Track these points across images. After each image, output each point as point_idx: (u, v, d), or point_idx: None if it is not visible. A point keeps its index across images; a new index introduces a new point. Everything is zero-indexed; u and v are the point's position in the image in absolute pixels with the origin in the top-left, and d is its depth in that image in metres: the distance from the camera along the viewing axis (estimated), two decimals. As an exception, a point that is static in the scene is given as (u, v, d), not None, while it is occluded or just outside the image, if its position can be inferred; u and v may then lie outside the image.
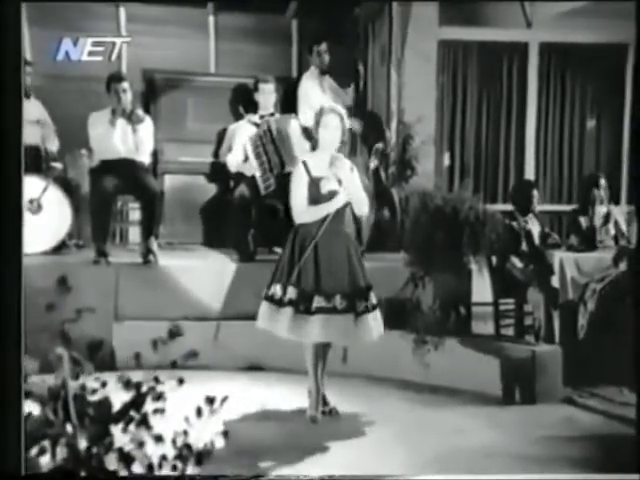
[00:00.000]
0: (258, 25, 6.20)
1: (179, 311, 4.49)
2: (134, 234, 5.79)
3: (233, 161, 5.23)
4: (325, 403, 3.85)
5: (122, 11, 6.01)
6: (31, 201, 4.94)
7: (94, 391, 1.50)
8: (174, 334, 1.77)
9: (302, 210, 3.76)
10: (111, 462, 1.43)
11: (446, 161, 6.19)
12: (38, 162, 5.15)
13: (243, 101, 5.70)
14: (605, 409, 4.04)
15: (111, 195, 5.00)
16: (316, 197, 3.74)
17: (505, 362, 4.21)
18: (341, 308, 3.65)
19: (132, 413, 1.52)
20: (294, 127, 4.91)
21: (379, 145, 5.58)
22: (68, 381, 1.48)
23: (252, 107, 5.46)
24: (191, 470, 1.54)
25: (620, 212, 5.13)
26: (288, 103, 5.62)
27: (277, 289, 3.73)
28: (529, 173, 6.18)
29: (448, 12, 5.91)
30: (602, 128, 6.36)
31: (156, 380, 1.61)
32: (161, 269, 4.82)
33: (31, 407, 1.46)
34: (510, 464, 3.31)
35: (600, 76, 6.23)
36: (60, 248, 5.12)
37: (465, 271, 4.62)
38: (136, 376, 1.61)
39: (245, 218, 5.09)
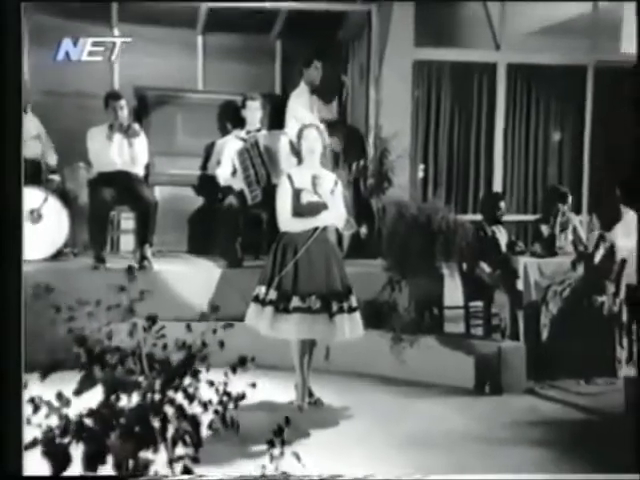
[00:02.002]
0: (244, 45, 6.55)
1: (172, 313, 4.84)
2: (126, 242, 6.18)
3: (222, 174, 5.67)
4: (311, 395, 4.30)
5: (115, 31, 6.41)
6: (32, 211, 5.32)
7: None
8: (215, 308, 2.26)
9: (286, 219, 4.20)
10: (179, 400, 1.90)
11: (420, 173, 6.65)
12: (38, 175, 5.55)
13: (230, 117, 6.14)
14: (563, 398, 4.50)
15: (109, 205, 5.40)
16: (297, 207, 4.19)
17: (475, 357, 4.67)
18: (315, 308, 4.05)
19: (185, 368, 1.99)
20: (284, 143, 5.36)
21: (360, 160, 6.08)
22: (142, 342, 1.96)
23: (239, 123, 5.90)
24: (230, 412, 2.01)
25: (579, 221, 5.66)
26: (272, 118, 6.08)
27: (261, 290, 4.15)
28: (497, 185, 6.58)
29: (423, 34, 6.36)
30: (565, 143, 6.89)
31: (203, 344, 2.09)
32: (155, 274, 5.22)
33: (115, 359, 1.93)
34: (481, 445, 3.75)
35: (562, 95, 6.68)
36: (57, 256, 5.51)
37: (438, 275, 5.05)
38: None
39: (233, 227, 5.49)
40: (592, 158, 6.71)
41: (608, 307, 4.90)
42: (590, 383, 4.73)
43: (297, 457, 2.15)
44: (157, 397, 1.92)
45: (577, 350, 4.77)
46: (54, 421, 1.88)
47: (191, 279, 5.28)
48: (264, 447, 2.46)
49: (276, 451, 2.10)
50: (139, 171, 5.54)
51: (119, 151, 5.41)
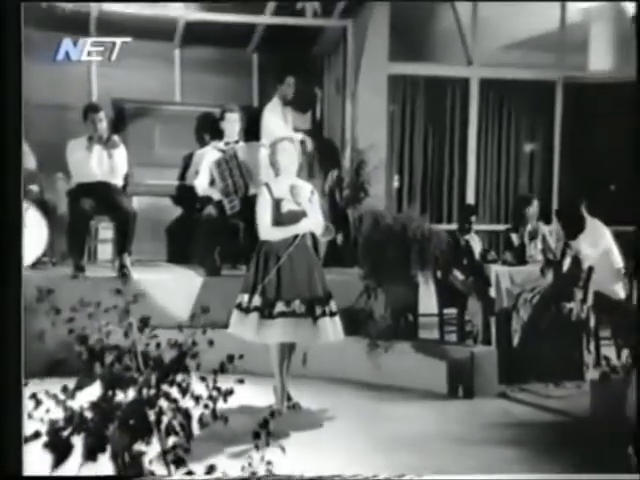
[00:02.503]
0: (221, 58, 6.70)
1: (152, 321, 4.99)
2: (103, 252, 6.28)
3: (201, 185, 5.81)
4: (289, 398, 4.44)
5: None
6: (12, 221, 5.43)
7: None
8: (205, 310, 2.41)
9: (266, 228, 4.36)
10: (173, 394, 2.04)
11: (396, 184, 6.87)
12: (17, 185, 5.64)
13: (208, 129, 6.29)
14: (533, 401, 4.71)
15: (88, 215, 5.53)
16: (277, 216, 4.36)
17: (448, 362, 4.86)
18: (300, 312, 4.23)
19: (177, 365, 2.14)
20: (263, 155, 5.53)
21: (335, 170, 6.27)
22: (137, 341, 2.09)
23: (217, 134, 6.05)
24: (220, 405, 2.15)
25: (548, 230, 5.89)
26: (249, 130, 6.24)
27: (244, 298, 4.30)
28: (470, 195, 6.84)
29: (397, 49, 6.60)
30: (535, 155, 7.15)
31: (193, 343, 2.24)
32: (134, 283, 5.32)
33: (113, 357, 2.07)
34: (455, 445, 3.92)
35: (533, 108, 6.95)
36: (36, 264, 5.59)
37: (413, 283, 5.23)
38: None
39: (212, 236, 5.65)
40: (561, 170, 6.97)
41: (576, 313, 5.12)
42: (559, 386, 4.93)
43: (282, 449, 2.30)
44: (152, 392, 2.07)
45: (546, 355, 4.98)
46: (55, 415, 2.01)
47: (172, 287, 5.40)
48: (244, 447, 2.58)
49: (261, 442, 2.25)
50: (118, 182, 5.67)
51: (98, 162, 5.54)
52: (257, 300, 4.25)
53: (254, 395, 4.39)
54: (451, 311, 5.51)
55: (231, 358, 2.34)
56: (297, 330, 4.23)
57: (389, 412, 4.47)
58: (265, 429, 2.28)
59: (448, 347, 5.08)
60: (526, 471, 3.63)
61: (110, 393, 2.06)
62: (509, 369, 4.92)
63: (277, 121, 5.98)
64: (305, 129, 6.24)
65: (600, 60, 7.09)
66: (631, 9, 5.90)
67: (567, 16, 6.85)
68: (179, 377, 2.18)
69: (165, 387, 2.13)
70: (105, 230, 6.14)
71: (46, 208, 5.69)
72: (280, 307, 4.22)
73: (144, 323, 2.25)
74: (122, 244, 5.50)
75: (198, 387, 2.28)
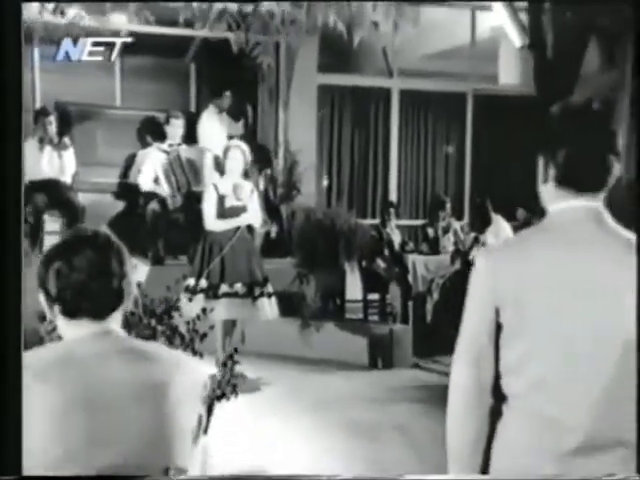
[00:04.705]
0: (160, 67, 7.30)
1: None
2: (50, 243, 6.87)
3: (144, 182, 6.53)
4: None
5: (36, 51, 7.03)
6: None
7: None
8: (185, 276, 3.19)
9: (211, 220, 5.16)
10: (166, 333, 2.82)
11: (325, 183, 7.76)
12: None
13: (150, 131, 6.97)
14: (441, 370, 5.66)
15: (40, 210, 6.18)
16: (221, 211, 5.16)
17: (370, 338, 5.77)
18: (242, 293, 5.03)
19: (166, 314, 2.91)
20: (208, 158, 6.31)
21: (267, 170, 7.08)
22: (139, 297, 2.84)
23: (159, 136, 6.75)
24: (197, 345, 2.93)
25: (459, 225, 6.87)
26: (187, 133, 6.94)
27: (191, 281, 5.09)
28: (392, 193, 7.79)
29: (326, 61, 7.46)
30: (450, 158, 8.14)
31: (177, 300, 3.01)
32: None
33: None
34: (375, 403, 4.80)
35: (447, 116, 7.94)
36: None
37: (340, 271, 6.14)
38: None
39: (156, 229, 6.38)
40: (472, 172, 7.98)
41: (480, 295, 6.08)
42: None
43: (243, 377, 3.06)
44: (150, 332, 2.83)
45: (455, 331, 5.91)
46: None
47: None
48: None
49: (227, 369, 3.04)
50: (67, 179, 6.32)
51: (49, 162, 6.21)
52: (203, 283, 5.04)
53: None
54: (374, 296, 6.40)
55: (204, 310, 3.13)
56: (239, 308, 5.05)
57: (320, 381, 5.31)
58: (231, 360, 3.08)
59: (370, 325, 5.98)
60: (433, 419, 4.53)
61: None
62: (423, 344, 5.84)
63: (214, 127, 6.73)
64: (238, 134, 6.99)
65: (508, 74, 8.14)
66: (517, 41, 6.93)
67: (479, 33, 7.86)
68: (168, 322, 2.94)
69: (159, 329, 2.89)
70: (52, 223, 6.71)
71: (-3, 204, 6.27)
72: (224, 289, 5.02)
73: (139, 285, 3.01)
74: (72, 237, 6.15)
75: (189, 324, 3.07)
